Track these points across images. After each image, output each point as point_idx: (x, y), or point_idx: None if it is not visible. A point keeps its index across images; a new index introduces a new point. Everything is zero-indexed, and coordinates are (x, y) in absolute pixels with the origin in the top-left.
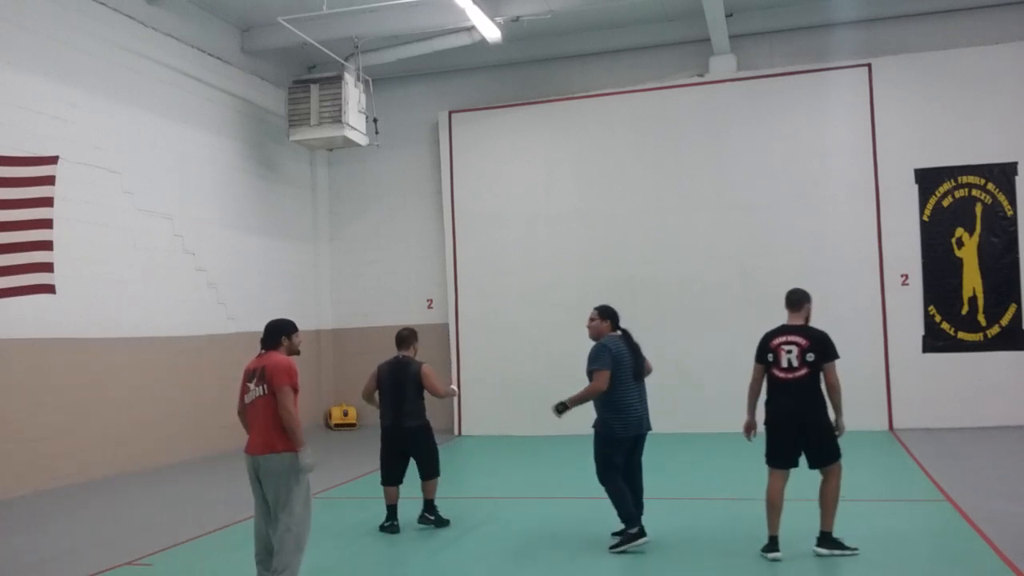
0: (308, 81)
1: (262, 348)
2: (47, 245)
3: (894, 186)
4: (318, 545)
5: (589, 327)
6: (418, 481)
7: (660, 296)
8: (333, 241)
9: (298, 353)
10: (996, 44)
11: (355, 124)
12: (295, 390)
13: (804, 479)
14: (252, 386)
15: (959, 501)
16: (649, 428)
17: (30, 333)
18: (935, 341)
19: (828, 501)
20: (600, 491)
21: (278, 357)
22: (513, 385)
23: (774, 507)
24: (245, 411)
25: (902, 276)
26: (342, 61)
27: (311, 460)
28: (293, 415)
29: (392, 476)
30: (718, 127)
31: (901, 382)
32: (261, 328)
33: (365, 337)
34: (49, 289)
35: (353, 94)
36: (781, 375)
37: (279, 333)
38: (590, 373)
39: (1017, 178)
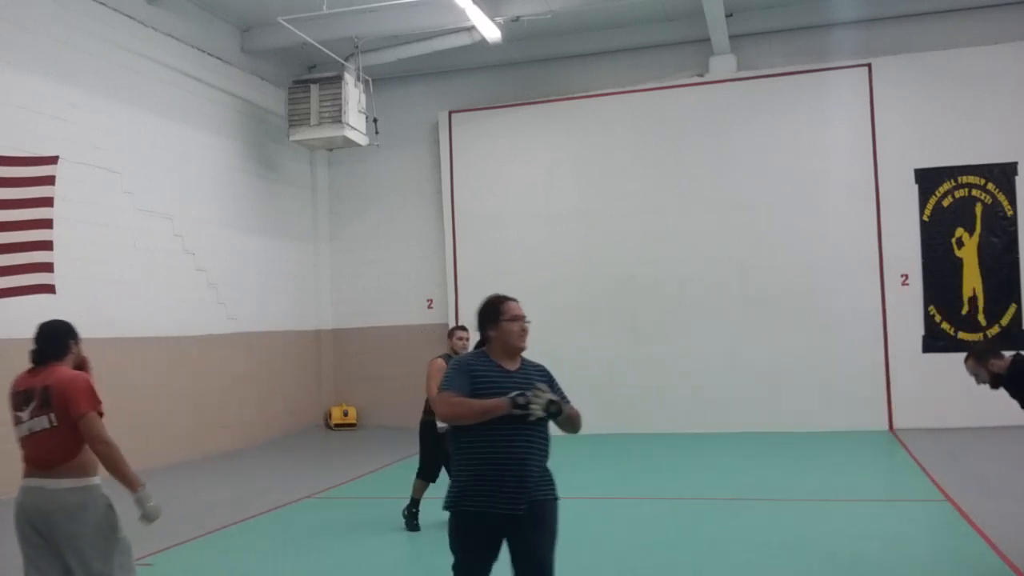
0: (308, 81)
1: (36, 361)
2: (47, 245)
3: (894, 186)
4: (319, 545)
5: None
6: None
7: (660, 296)
8: (333, 241)
9: (83, 368)
10: (996, 44)
11: (355, 124)
12: (100, 415)
13: (799, 479)
14: (26, 416)
15: (959, 501)
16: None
17: (30, 333)
18: (935, 341)
19: None
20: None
21: (66, 372)
22: None
23: None
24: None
25: (902, 276)
26: (342, 61)
27: (155, 503)
28: (114, 447)
29: None
30: (718, 127)
31: (901, 382)
32: (261, 328)
33: (365, 337)
34: (49, 289)
35: (353, 94)
36: None
37: (66, 337)
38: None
39: (1017, 178)
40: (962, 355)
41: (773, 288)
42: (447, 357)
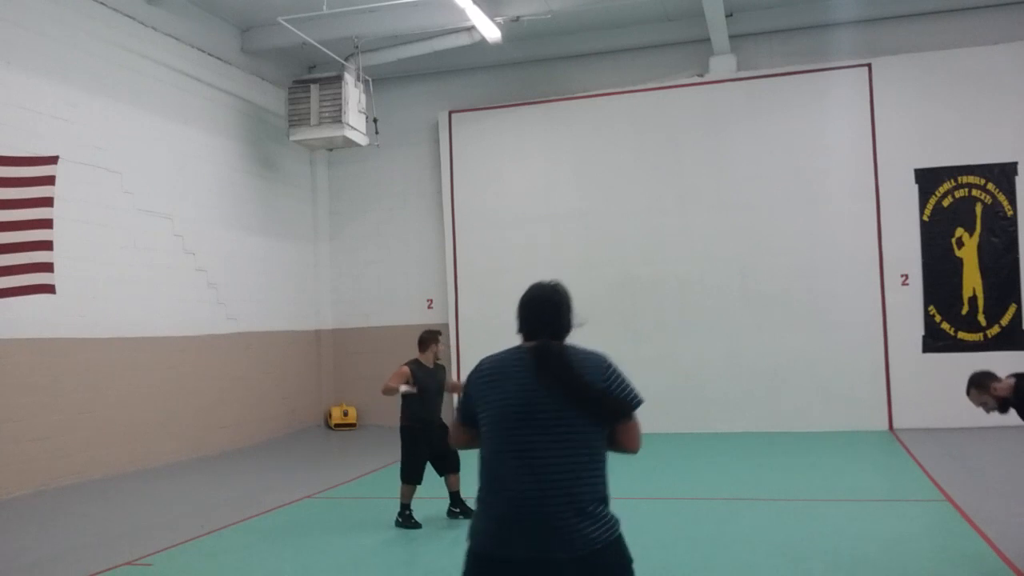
0: (308, 81)
1: None
2: (47, 245)
3: (894, 186)
4: (319, 545)
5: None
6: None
7: (660, 296)
8: (333, 241)
9: None
10: (996, 44)
11: (355, 124)
12: None
13: (799, 479)
14: None
15: (959, 501)
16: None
17: (30, 333)
18: (935, 341)
19: None
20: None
21: None
22: None
23: None
24: None
25: (902, 276)
26: (342, 61)
27: None
28: None
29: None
30: (718, 127)
31: (901, 382)
32: (261, 328)
33: (365, 337)
34: (49, 289)
35: (353, 94)
36: None
37: None
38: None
39: (1017, 178)
40: (962, 355)
41: (773, 288)
42: (417, 364)
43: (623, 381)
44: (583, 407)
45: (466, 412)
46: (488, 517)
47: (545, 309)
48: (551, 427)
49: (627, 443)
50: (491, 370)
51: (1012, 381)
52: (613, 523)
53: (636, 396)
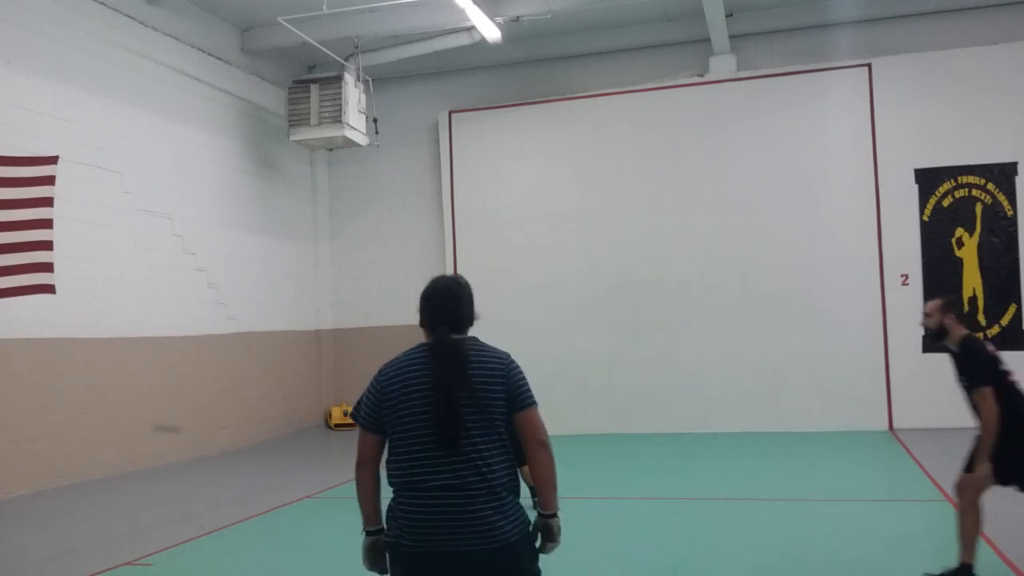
0: (308, 81)
1: None
2: (47, 245)
3: (894, 186)
4: (319, 545)
5: None
6: None
7: (660, 296)
8: (333, 241)
9: None
10: (996, 44)
11: (355, 124)
12: None
13: (799, 479)
14: None
15: None
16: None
17: (30, 333)
18: (935, 341)
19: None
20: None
21: None
22: None
23: None
24: None
25: (902, 276)
26: (342, 61)
27: None
28: None
29: None
30: (718, 127)
31: (901, 382)
32: (261, 328)
33: (365, 337)
34: (49, 289)
35: (353, 94)
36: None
37: None
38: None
39: (1017, 178)
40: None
41: (773, 288)
42: None
43: (523, 377)
44: (479, 397)
45: (372, 419)
46: (405, 513)
47: (446, 301)
48: (457, 422)
49: (530, 430)
50: (394, 374)
51: (964, 334)
52: (524, 516)
53: (531, 395)
